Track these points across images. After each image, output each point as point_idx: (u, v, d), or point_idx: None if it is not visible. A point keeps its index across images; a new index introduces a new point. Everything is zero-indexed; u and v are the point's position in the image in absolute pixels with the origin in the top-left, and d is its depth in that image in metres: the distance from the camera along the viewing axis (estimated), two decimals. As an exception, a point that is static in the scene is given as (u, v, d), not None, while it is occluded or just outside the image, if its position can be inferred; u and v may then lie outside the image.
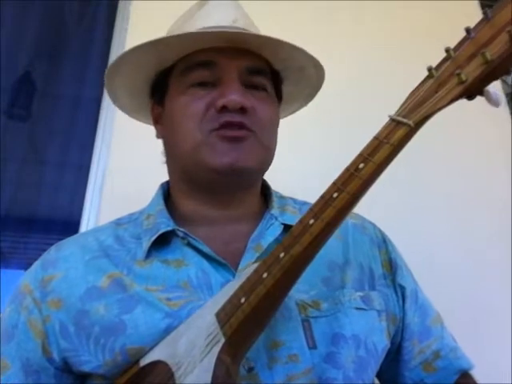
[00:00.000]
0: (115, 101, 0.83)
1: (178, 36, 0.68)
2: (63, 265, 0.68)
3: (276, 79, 0.78)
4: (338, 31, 1.60)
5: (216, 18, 0.72)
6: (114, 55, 1.57)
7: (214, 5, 0.75)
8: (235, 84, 0.68)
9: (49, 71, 2.15)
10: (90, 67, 2.06)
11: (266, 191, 0.80)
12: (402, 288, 0.75)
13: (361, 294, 0.69)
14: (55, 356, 0.64)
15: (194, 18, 0.75)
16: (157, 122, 0.79)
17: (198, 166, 0.69)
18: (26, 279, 0.69)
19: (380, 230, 0.81)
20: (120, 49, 1.54)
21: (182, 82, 0.71)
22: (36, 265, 0.71)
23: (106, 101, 1.50)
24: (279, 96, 0.79)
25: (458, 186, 1.47)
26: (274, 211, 0.73)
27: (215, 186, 0.71)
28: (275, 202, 0.75)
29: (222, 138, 0.66)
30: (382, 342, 0.68)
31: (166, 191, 0.79)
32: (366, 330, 0.66)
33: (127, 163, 1.37)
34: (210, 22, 0.72)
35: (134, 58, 0.73)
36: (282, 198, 0.79)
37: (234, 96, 0.66)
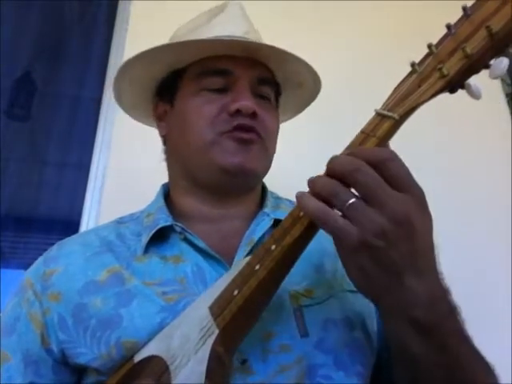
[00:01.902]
0: (118, 97, 0.85)
1: (207, 40, 0.73)
2: (64, 260, 0.70)
3: (276, 90, 0.81)
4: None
5: (231, 28, 0.76)
6: (114, 55, 1.57)
7: (228, 15, 0.79)
8: (247, 91, 0.71)
9: (49, 71, 2.16)
10: (89, 67, 2.07)
11: (263, 193, 0.82)
12: None
13: None
14: (54, 347, 0.65)
15: (211, 24, 0.78)
16: (160, 119, 0.82)
17: (206, 165, 0.71)
18: (28, 274, 0.72)
19: None
20: (120, 49, 1.55)
21: (196, 85, 0.74)
22: (38, 261, 0.73)
23: (106, 101, 1.51)
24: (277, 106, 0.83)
25: (457, 186, 1.47)
26: (267, 209, 0.75)
27: (219, 185, 0.73)
28: (270, 202, 0.77)
29: (233, 139, 0.69)
30: (377, 324, 0.68)
31: (167, 191, 0.81)
32: (363, 311, 0.66)
33: (127, 163, 1.37)
34: (225, 31, 0.75)
35: (149, 58, 0.75)
36: (278, 198, 0.81)
37: (248, 102, 0.69)
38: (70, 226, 1.58)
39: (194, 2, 1.52)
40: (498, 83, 1.62)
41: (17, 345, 0.66)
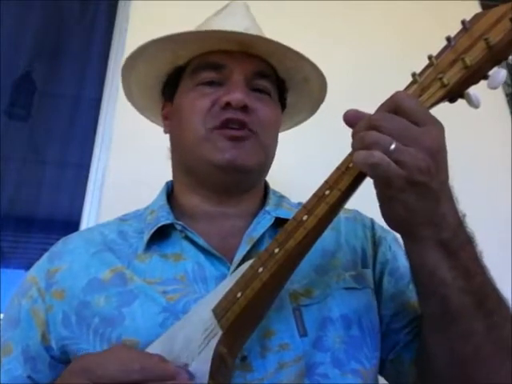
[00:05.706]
0: (129, 97, 0.86)
1: (197, 32, 0.74)
2: (68, 257, 0.72)
3: (281, 86, 0.81)
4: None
5: (230, 24, 0.76)
6: (114, 55, 1.58)
7: (229, 13, 0.80)
8: (240, 85, 0.72)
9: (49, 71, 2.16)
10: (89, 67, 2.07)
11: (266, 191, 0.83)
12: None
13: (353, 273, 0.70)
14: (53, 344, 0.67)
15: (210, 22, 0.80)
16: (166, 118, 0.84)
17: (198, 160, 0.72)
18: (33, 271, 0.73)
19: (371, 218, 0.82)
20: (120, 49, 1.55)
21: (192, 80, 0.76)
22: (44, 257, 0.74)
23: (106, 101, 1.51)
24: (283, 104, 0.83)
25: (457, 187, 1.47)
26: (269, 208, 0.75)
27: (215, 181, 0.74)
28: (272, 200, 0.78)
29: (224, 136, 0.70)
30: (378, 320, 0.69)
31: (170, 188, 0.83)
32: (360, 308, 0.67)
33: (127, 163, 1.38)
34: (223, 28, 0.75)
35: (150, 53, 0.77)
36: (281, 197, 0.82)
37: (238, 94, 0.70)
38: (70, 225, 1.58)
39: (194, 2, 1.53)
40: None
41: (19, 338, 0.68)
